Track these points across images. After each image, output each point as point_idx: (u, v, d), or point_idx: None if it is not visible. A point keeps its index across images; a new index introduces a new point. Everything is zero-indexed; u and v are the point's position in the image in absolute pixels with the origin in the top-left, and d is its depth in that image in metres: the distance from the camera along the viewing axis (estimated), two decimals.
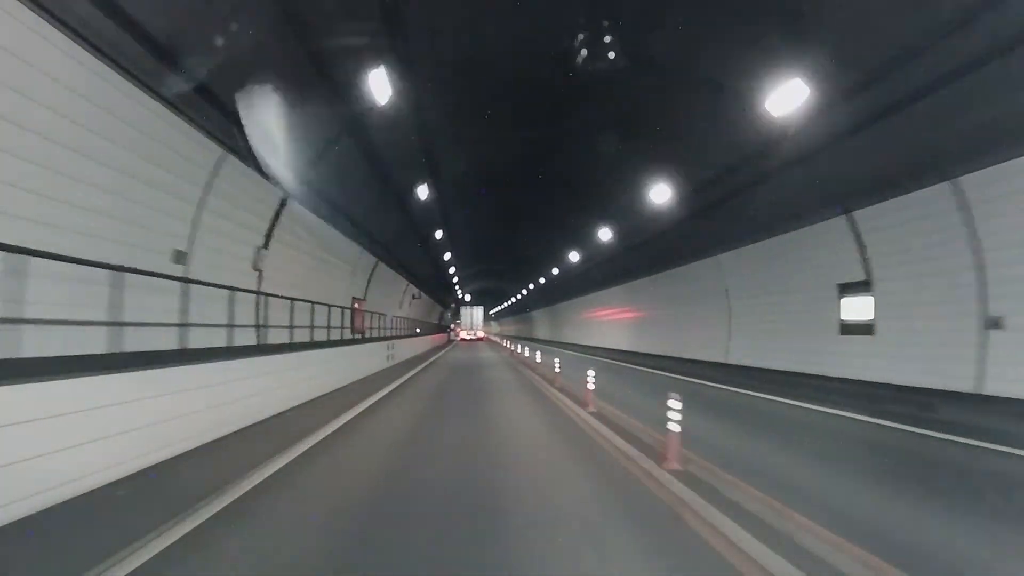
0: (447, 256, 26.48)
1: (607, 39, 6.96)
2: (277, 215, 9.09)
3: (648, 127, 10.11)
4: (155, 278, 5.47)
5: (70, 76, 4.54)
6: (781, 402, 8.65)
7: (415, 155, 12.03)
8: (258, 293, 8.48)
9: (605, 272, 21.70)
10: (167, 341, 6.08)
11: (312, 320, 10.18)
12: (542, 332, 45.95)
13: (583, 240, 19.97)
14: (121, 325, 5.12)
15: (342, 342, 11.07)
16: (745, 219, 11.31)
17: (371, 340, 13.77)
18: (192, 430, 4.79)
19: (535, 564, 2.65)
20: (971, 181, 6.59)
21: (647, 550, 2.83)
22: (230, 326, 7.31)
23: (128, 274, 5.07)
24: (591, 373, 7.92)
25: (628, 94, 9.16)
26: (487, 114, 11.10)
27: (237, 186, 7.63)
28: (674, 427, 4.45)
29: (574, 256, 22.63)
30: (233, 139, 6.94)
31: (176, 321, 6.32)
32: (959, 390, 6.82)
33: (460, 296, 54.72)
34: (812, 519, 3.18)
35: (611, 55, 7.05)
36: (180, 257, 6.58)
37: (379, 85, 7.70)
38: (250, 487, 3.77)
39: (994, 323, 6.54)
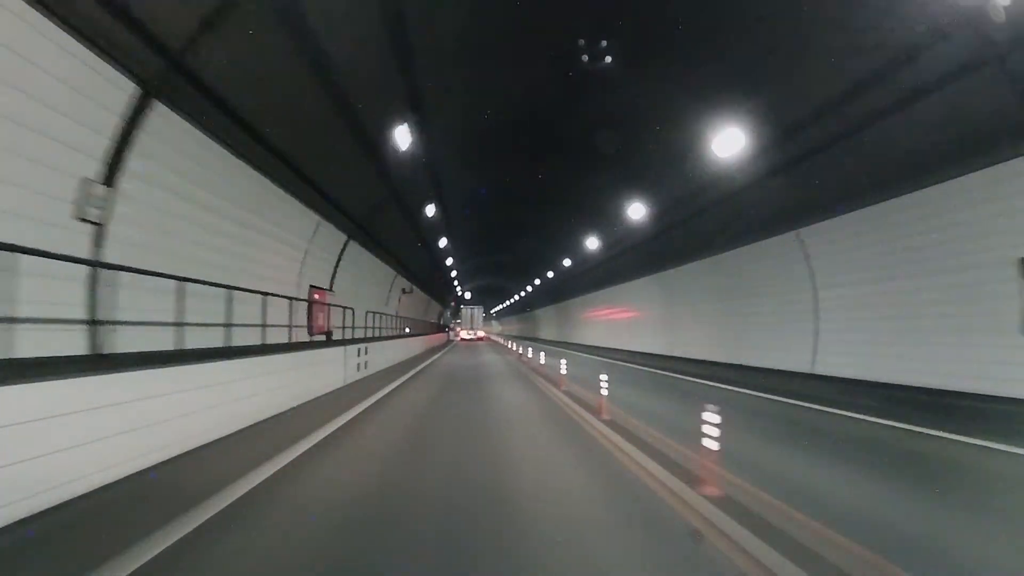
0: (443, 243, 23.07)
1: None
2: (132, 122, 5.21)
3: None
4: None
5: None
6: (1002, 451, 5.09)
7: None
8: (91, 263, 4.94)
9: (630, 261, 18.26)
10: None
11: (229, 316, 6.75)
12: (548, 332, 42.49)
13: (605, 223, 16.62)
14: None
15: (271, 348, 7.55)
16: (846, 178, 7.91)
17: (335, 344, 10.31)
18: None
19: None
20: None
21: None
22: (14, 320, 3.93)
23: None
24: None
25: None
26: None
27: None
28: None
29: (592, 243, 19.26)
30: None
31: None
32: None
33: (460, 294, 51.81)
34: None
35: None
36: None
37: None
38: None
39: None
